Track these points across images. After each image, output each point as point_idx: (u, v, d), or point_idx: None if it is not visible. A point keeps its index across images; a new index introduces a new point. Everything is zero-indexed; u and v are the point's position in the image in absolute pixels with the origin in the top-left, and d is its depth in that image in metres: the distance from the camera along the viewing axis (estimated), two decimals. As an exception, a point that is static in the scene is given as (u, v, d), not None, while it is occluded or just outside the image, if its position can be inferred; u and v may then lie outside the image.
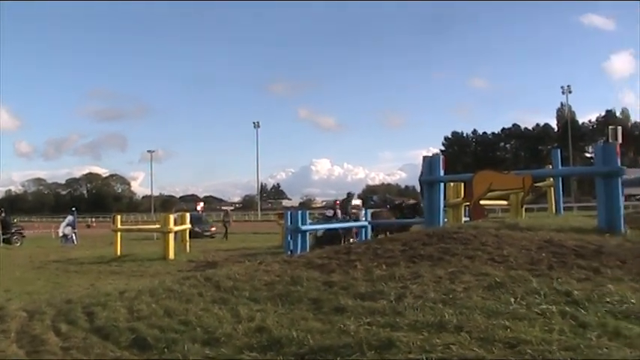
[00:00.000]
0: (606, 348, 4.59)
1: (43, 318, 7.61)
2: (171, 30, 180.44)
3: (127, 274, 16.85)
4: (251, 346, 5.43)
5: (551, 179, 16.22)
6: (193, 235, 29.67)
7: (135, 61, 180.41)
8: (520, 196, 14.17)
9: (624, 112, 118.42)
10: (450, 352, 4.64)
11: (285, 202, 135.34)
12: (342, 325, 5.59)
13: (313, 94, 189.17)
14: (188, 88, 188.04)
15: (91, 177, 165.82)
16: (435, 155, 14.90)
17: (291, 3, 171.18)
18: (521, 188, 12.88)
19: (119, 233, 24.79)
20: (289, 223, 18.70)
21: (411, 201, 24.34)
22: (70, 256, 23.57)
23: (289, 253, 16.70)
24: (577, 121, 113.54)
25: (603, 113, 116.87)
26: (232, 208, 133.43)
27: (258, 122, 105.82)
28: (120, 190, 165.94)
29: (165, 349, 5.75)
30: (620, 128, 23.81)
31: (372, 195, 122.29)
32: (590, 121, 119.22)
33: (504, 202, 17.78)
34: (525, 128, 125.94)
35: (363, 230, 23.06)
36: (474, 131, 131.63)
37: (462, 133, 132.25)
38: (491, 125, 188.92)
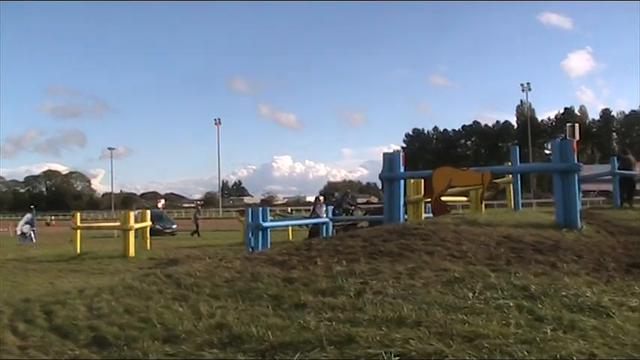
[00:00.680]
0: (561, 341, 4.70)
1: (0, 317, 7.49)
2: (131, 26, 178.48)
3: (86, 272, 16.71)
4: (211, 342, 5.42)
5: (510, 176, 16.45)
6: (154, 232, 29.58)
7: (93, 57, 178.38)
8: (479, 193, 14.35)
9: (582, 109, 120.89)
10: (409, 346, 4.69)
11: (246, 199, 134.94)
12: (302, 321, 5.61)
13: (274, 91, 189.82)
14: (148, 84, 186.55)
15: (50, 174, 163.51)
16: (396, 152, 14.99)
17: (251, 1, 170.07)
18: (481, 184, 13.05)
19: (79, 231, 24.55)
20: (250, 220, 18.71)
21: None
22: (29, 254, 23.20)
23: (250, 249, 16.71)
24: (536, 119, 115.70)
25: (562, 111, 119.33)
26: (195, 204, 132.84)
27: (219, 119, 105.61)
28: (80, 188, 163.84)
29: (125, 347, 5.70)
30: (577, 125, 24.35)
31: (334, 192, 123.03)
32: (549, 118, 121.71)
33: (464, 199, 17.98)
34: (486, 125, 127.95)
35: (325, 227, 23.19)
36: (435, 128, 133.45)
37: (423, 130, 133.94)
38: (452, 122, 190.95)
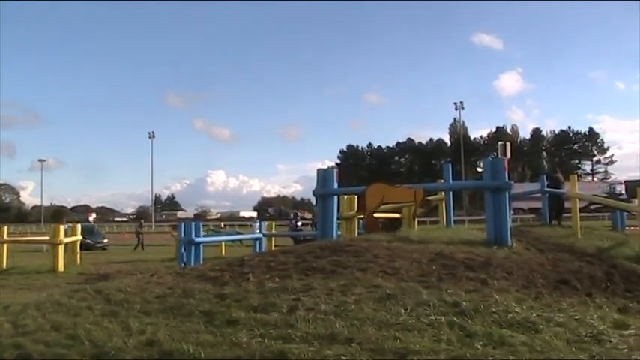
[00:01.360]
0: (491, 356, 4.82)
1: None
2: (63, 37, 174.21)
3: (13, 288, 16.15)
4: (142, 359, 5.35)
5: (443, 193, 16.73)
6: (85, 246, 28.90)
7: (23, 68, 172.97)
8: (412, 210, 14.53)
9: (514, 128, 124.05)
10: (341, 362, 4.74)
11: (179, 214, 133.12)
12: (234, 338, 5.58)
13: (208, 105, 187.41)
14: (81, 96, 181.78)
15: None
16: (329, 168, 15.09)
17: (185, 13, 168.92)
18: (413, 201, 13.23)
19: (5, 245, 23.76)
20: (183, 235, 18.54)
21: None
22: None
23: (182, 265, 16.57)
24: (469, 137, 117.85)
25: (494, 129, 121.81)
26: (126, 219, 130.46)
27: (153, 132, 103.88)
28: (8, 200, 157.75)
29: (52, 365, 5.58)
30: (509, 144, 24.95)
31: (268, 207, 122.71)
32: (481, 136, 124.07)
33: (397, 215, 18.19)
34: (419, 143, 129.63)
35: (257, 242, 23.17)
36: (370, 145, 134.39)
37: (358, 146, 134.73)
38: (387, 139, 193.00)
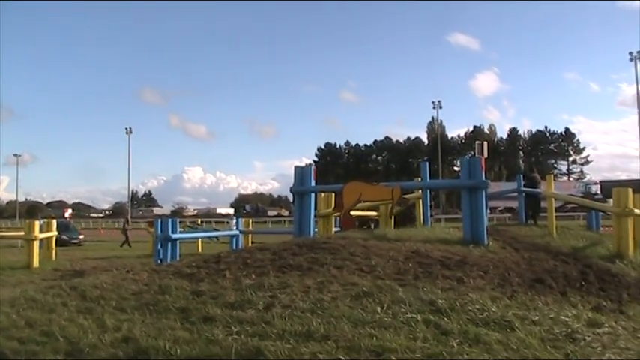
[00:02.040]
0: (467, 354, 4.86)
1: None
2: (38, 30, 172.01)
3: (-13, 284, 15.98)
4: (117, 356, 5.30)
5: (420, 191, 16.80)
6: (60, 242, 28.63)
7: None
8: (389, 208, 14.59)
9: (492, 128, 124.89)
10: (317, 360, 4.75)
11: (156, 210, 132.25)
12: (210, 335, 5.57)
13: (185, 102, 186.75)
14: (56, 91, 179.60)
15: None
16: (307, 166, 15.10)
17: (160, 9, 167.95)
18: (391, 199, 13.29)
19: (-21, 240, 23.54)
20: (159, 232, 18.46)
21: None
22: None
23: (159, 261, 16.53)
24: (447, 136, 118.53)
25: (471, 129, 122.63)
26: (102, 215, 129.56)
27: (130, 128, 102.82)
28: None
29: (25, 362, 5.53)
30: (486, 144, 25.09)
31: (245, 204, 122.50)
32: (459, 135, 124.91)
33: (374, 213, 18.24)
34: (397, 141, 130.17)
35: (234, 239, 23.14)
36: (347, 143, 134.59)
37: (335, 144, 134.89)
38: (364, 137, 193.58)
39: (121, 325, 6.16)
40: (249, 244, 22.19)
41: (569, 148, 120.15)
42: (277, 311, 6.21)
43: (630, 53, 74.15)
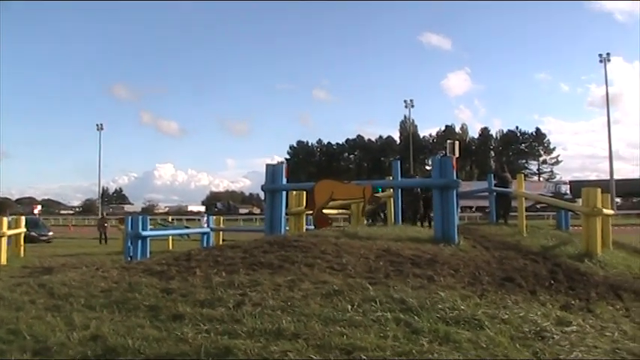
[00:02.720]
0: (437, 352, 4.88)
1: None
2: (5, 24, 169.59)
3: (-48, 282, 15.73)
4: (85, 355, 5.23)
5: (392, 190, 16.85)
6: (29, 239, 28.33)
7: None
8: (361, 206, 14.62)
9: (464, 127, 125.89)
10: (287, 359, 4.74)
11: (127, 207, 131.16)
12: (179, 333, 5.53)
13: (156, 98, 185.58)
14: (26, 86, 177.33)
15: None
16: (278, 164, 15.09)
17: (132, 6, 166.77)
18: (362, 198, 13.32)
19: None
20: (130, 229, 18.35)
21: None
22: None
23: (129, 259, 16.44)
24: (418, 135, 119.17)
25: (443, 128, 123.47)
26: (73, 212, 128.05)
27: (101, 124, 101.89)
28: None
29: (-10, 361, 5.44)
30: (457, 143, 25.25)
31: (217, 202, 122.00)
32: (430, 134, 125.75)
33: (347, 211, 18.28)
34: (369, 140, 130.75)
35: (205, 237, 23.09)
36: (319, 141, 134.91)
37: (308, 142, 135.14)
38: (337, 136, 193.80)
39: (90, 324, 6.08)
40: (220, 242, 22.15)
41: (540, 148, 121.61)
42: (247, 309, 6.18)
43: (600, 55, 75.29)
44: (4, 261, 20.48)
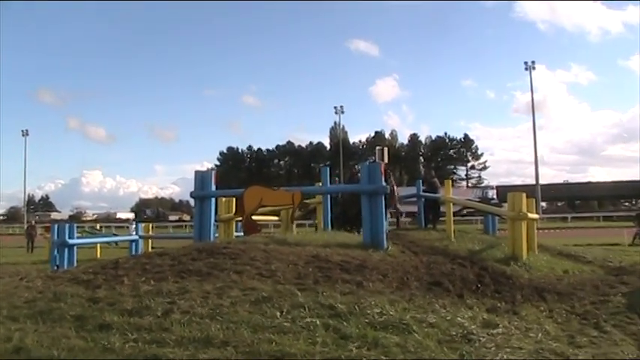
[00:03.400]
0: (365, 357, 4.95)
1: None
2: None
3: None
4: (7, 368, 5.12)
5: (321, 196, 16.90)
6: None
7: None
8: (290, 212, 14.64)
9: (393, 133, 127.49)
10: (216, 367, 4.72)
11: (54, 215, 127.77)
12: (106, 343, 5.43)
13: (83, 104, 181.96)
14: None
15: None
16: (208, 170, 14.96)
17: (56, 9, 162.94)
18: (291, 204, 13.33)
19: None
20: (56, 237, 17.93)
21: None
22: None
23: (55, 268, 16.04)
24: (349, 141, 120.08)
25: (373, 134, 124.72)
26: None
27: (27, 130, 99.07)
28: None
29: None
30: (386, 149, 25.52)
31: (146, 208, 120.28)
32: (360, 141, 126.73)
33: (276, 218, 18.25)
34: (299, 146, 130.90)
35: (134, 245, 22.75)
36: (250, 147, 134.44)
37: (238, 148, 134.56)
38: (267, 142, 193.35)
39: (13, 335, 5.91)
40: (149, 250, 21.86)
41: (468, 153, 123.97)
42: (176, 317, 6.12)
43: (525, 62, 77.38)
44: None
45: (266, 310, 6.29)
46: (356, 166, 21.48)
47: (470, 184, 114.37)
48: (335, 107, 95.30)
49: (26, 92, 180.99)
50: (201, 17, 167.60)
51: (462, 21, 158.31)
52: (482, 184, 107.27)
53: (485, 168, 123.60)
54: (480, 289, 8.65)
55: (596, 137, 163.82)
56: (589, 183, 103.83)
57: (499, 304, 7.75)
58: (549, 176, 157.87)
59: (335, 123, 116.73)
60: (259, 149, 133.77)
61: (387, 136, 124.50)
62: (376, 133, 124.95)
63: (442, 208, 20.45)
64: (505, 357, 5.33)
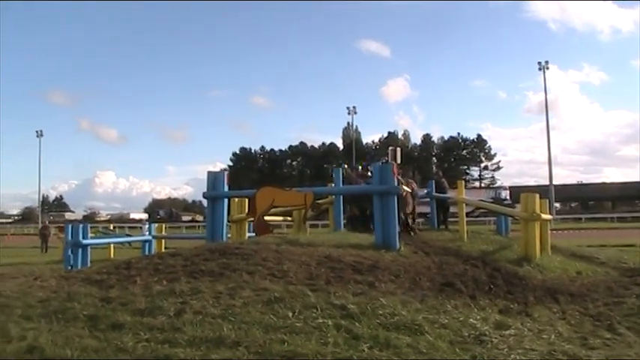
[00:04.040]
0: (377, 358, 4.94)
1: None
2: None
3: None
4: (21, 366, 5.15)
5: (333, 196, 16.89)
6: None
7: None
8: (302, 213, 14.63)
9: (406, 134, 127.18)
10: (228, 367, 4.73)
11: (68, 215, 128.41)
12: (119, 342, 5.46)
13: (94, 105, 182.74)
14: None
15: None
16: (220, 171, 14.99)
17: (67, 10, 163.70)
18: (304, 205, 13.33)
19: None
20: (70, 237, 18.03)
21: None
22: None
23: (69, 268, 16.11)
24: (361, 141, 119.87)
25: (386, 135, 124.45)
26: (11, 220, 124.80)
27: (41, 131, 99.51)
28: None
29: None
30: (399, 149, 25.44)
31: (159, 209, 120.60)
32: (373, 141, 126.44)
33: (289, 218, 18.26)
34: (312, 146, 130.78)
35: (146, 245, 22.81)
36: (262, 148, 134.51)
37: (250, 149, 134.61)
38: (280, 142, 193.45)
39: (27, 334, 5.95)
40: (162, 250, 21.92)
41: (481, 154, 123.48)
42: (188, 318, 6.14)
43: (539, 63, 76.95)
44: (-64, 271, 19.82)
45: (278, 311, 6.30)
46: (359, 166, 21.24)
47: (483, 185, 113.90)
48: (347, 108, 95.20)
49: (37, 93, 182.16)
50: (210, 17, 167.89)
51: (471, 21, 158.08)
52: (496, 185, 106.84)
53: (498, 168, 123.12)
54: (493, 290, 8.60)
55: (609, 137, 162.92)
56: (603, 184, 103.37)
57: (511, 306, 7.71)
58: (562, 177, 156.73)
59: (348, 123, 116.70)
60: (272, 150, 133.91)
61: (399, 136, 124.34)
62: (389, 133, 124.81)
63: (454, 209, 20.44)
64: (517, 358, 5.32)
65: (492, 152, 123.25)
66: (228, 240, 13.45)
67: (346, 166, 22.22)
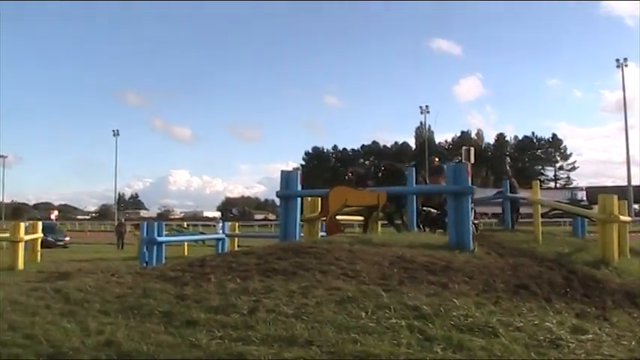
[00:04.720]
0: (450, 360, 4.87)
1: None
2: (19, 28, 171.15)
3: (-30, 286, 15.83)
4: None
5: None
6: (46, 244, 28.53)
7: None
8: (375, 213, 14.60)
9: (479, 133, 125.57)
10: (300, 366, 4.75)
11: (142, 213, 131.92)
12: (193, 339, 5.53)
13: (167, 104, 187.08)
14: (40, 91, 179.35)
15: None
16: (293, 170, 15.10)
17: (143, 10, 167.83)
18: (376, 204, 13.29)
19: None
20: (145, 235, 18.46)
21: None
22: None
23: (144, 264, 16.52)
24: (434, 141, 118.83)
25: (459, 134, 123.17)
26: (89, 217, 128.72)
27: (117, 130, 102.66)
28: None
29: (7, 365, 5.46)
30: (472, 149, 25.16)
31: (232, 207, 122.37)
32: (446, 141, 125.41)
33: (362, 217, 18.25)
34: (384, 146, 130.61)
35: (220, 243, 23.15)
36: (335, 147, 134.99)
37: (323, 148, 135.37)
38: (352, 142, 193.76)
39: (104, 329, 6.10)
40: (235, 248, 22.20)
41: (556, 154, 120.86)
42: (261, 316, 6.18)
43: (617, 60, 74.87)
44: (21, 266, 20.51)
45: (351, 311, 6.28)
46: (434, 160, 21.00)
47: (558, 185, 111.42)
48: (420, 107, 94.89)
49: (112, 92, 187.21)
50: (283, 17, 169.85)
51: (545, 19, 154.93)
52: (571, 185, 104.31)
53: (574, 169, 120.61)
54: (569, 293, 8.38)
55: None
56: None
57: (589, 310, 7.49)
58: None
59: (421, 123, 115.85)
60: (344, 149, 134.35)
61: (473, 135, 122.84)
62: (462, 132, 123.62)
63: (528, 210, 20.05)
64: (595, 364, 5.18)
65: (568, 152, 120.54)
66: (301, 239, 13.51)
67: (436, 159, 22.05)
